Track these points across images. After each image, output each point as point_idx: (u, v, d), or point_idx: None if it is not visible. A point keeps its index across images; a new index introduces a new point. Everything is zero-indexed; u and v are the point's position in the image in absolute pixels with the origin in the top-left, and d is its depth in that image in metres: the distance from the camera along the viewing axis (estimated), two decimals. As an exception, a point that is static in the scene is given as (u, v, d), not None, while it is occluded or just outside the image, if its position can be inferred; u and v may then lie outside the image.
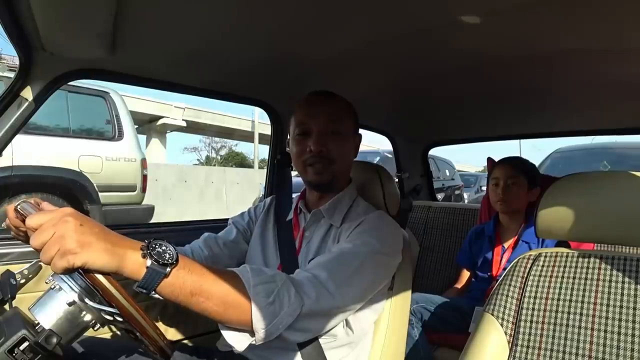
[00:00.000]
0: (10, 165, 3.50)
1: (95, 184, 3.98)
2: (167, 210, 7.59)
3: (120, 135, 4.32)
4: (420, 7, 0.95)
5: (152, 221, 4.55)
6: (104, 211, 4.05)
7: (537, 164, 1.87)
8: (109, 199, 4.17)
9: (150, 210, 4.72)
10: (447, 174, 9.10)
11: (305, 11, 0.98)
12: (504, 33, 1.08)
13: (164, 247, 0.66)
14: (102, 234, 0.61)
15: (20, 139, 3.39)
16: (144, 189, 4.53)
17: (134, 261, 0.63)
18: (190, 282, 0.67)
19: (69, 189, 3.84)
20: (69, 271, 0.59)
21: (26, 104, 1.09)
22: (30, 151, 3.67)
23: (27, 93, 1.09)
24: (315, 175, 1.03)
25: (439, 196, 8.08)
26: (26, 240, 0.79)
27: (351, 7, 0.96)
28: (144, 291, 0.64)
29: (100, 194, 4.04)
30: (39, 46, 1.03)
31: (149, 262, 0.63)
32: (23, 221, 0.74)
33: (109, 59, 1.15)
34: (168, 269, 0.64)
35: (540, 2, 0.91)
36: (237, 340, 0.75)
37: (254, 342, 0.76)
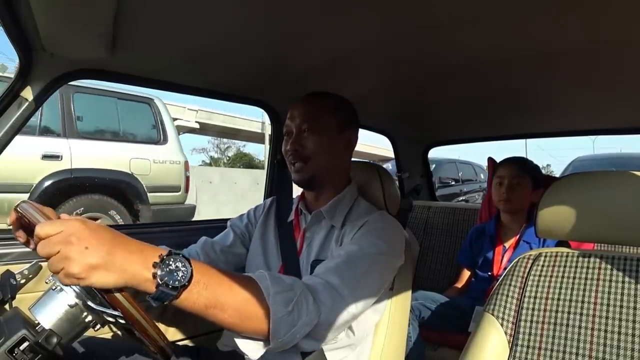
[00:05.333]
0: (70, 168, 3.80)
1: (144, 185, 4.26)
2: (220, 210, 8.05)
3: (165, 139, 4.57)
4: (420, 8, 0.95)
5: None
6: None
7: (541, 164, 1.88)
8: (156, 199, 4.40)
9: (192, 209, 4.91)
10: (482, 177, 9.18)
11: (304, 12, 0.98)
12: (505, 33, 1.08)
13: (177, 264, 0.63)
14: (109, 254, 0.58)
15: (78, 144, 3.93)
16: (186, 190, 4.75)
17: (144, 280, 0.61)
18: (205, 297, 0.65)
19: (122, 190, 4.12)
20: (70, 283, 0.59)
21: (26, 104, 1.09)
22: (87, 155, 4.00)
23: (27, 93, 1.09)
24: (294, 174, 1.06)
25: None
26: (25, 242, 0.80)
27: (351, 8, 0.96)
28: (157, 303, 0.63)
29: (148, 194, 4.31)
30: (39, 46, 1.03)
31: (157, 283, 0.61)
32: (25, 222, 0.74)
33: (109, 59, 1.15)
34: (178, 291, 0.62)
35: (541, 2, 0.91)
36: (251, 349, 0.74)
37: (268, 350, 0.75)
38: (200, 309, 0.66)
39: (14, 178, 3.59)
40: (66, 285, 0.60)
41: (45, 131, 3.92)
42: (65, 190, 3.80)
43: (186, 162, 4.75)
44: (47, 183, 3.73)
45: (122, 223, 4.06)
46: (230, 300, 0.68)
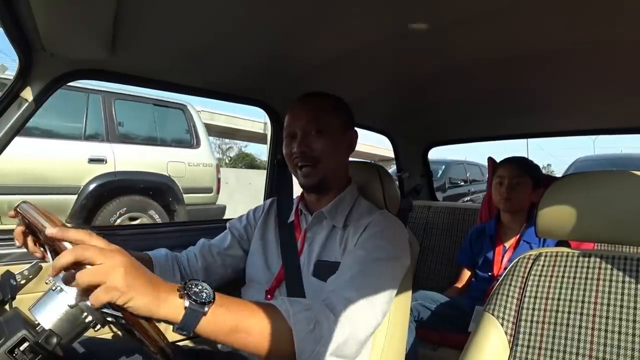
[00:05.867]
0: (114, 171, 4.11)
1: (180, 187, 4.56)
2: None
3: (198, 143, 4.84)
4: (419, 8, 0.95)
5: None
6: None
7: (542, 164, 1.88)
8: (190, 199, 4.70)
9: (223, 209, 5.16)
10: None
11: (304, 12, 0.98)
12: (505, 33, 1.08)
13: (200, 287, 0.67)
14: (146, 278, 0.62)
15: (121, 148, 4.20)
16: (217, 191, 5.05)
17: (172, 304, 0.64)
18: (229, 319, 0.68)
19: (160, 191, 4.41)
20: (103, 305, 0.60)
21: (26, 104, 1.09)
22: (129, 158, 4.30)
23: (27, 94, 1.09)
24: (303, 179, 1.05)
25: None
26: (23, 244, 0.80)
27: (351, 8, 0.96)
28: (184, 332, 0.65)
29: (183, 195, 4.62)
30: (39, 47, 1.03)
31: (187, 302, 0.64)
32: (25, 223, 0.74)
33: (109, 59, 1.15)
34: (206, 308, 0.65)
35: (541, 3, 0.91)
36: None
37: None
38: (226, 332, 0.68)
39: (64, 180, 3.88)
40: (98, 307, 0.61)
41: (90, 136, 4.19)
42: (110, 192, 4.08)
43: (217, 165, 5.04)
44: (94, 185, 4.01)
45: (161, 222, 4.28)
46: (253, 322, 0.71)
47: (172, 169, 4.53)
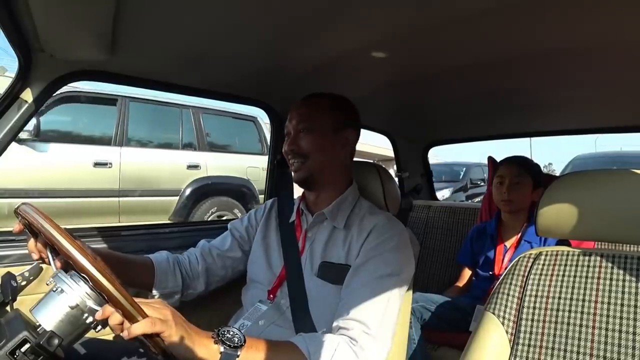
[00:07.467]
0: (207, 175, 4.87)
1: (256, 189, 5.21)
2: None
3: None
4: (419, 8, 0.95)
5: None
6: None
7: (543, 163, 1.88)
8: (263, 200, 4.95)
9: None
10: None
11: (304, 13, 0.98)
12: (504, 33, 1.08)
13: (232, 332, 0.75)
14: (186, 328, 0.72)
15: (209, 156, 4.94)
16: None
17: (209, 348, 0.72)
18: (260, 358, 0.76)
19: (242, 193, 5.15)
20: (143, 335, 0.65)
21: (26, 105, 1.09)
22: (217, 164, 5.02)
23: (27, 95, 1.09)
24: (294, 174, 1.08)
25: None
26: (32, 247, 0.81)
27: (350, 8, 0.96)
28: None
29: (259, 196, 5.25)
30: (38, 48, 1.03)
31: (221, 348, 0.72)
32: (26, 223, 0.75)
33: (109, 60, 1.15)
34: (239, 351, 0.73)
35: (541, 2, 0.91)
36: None
37: None
38: None
39: (169, 184, 4.63)
40: (139, 334, 0.65)
41: (186, 146, 4.93)
42: (203, 194, 4.80)
43: None
44: (192, 188, 4.72)
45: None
46: (279, 358, 0.80)
47: (250, 174, 5.23)
